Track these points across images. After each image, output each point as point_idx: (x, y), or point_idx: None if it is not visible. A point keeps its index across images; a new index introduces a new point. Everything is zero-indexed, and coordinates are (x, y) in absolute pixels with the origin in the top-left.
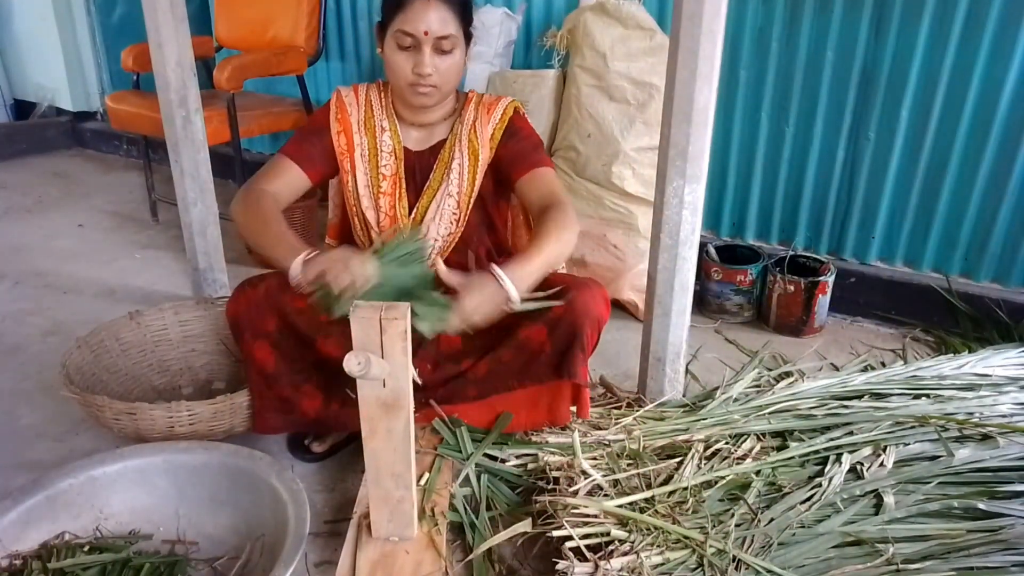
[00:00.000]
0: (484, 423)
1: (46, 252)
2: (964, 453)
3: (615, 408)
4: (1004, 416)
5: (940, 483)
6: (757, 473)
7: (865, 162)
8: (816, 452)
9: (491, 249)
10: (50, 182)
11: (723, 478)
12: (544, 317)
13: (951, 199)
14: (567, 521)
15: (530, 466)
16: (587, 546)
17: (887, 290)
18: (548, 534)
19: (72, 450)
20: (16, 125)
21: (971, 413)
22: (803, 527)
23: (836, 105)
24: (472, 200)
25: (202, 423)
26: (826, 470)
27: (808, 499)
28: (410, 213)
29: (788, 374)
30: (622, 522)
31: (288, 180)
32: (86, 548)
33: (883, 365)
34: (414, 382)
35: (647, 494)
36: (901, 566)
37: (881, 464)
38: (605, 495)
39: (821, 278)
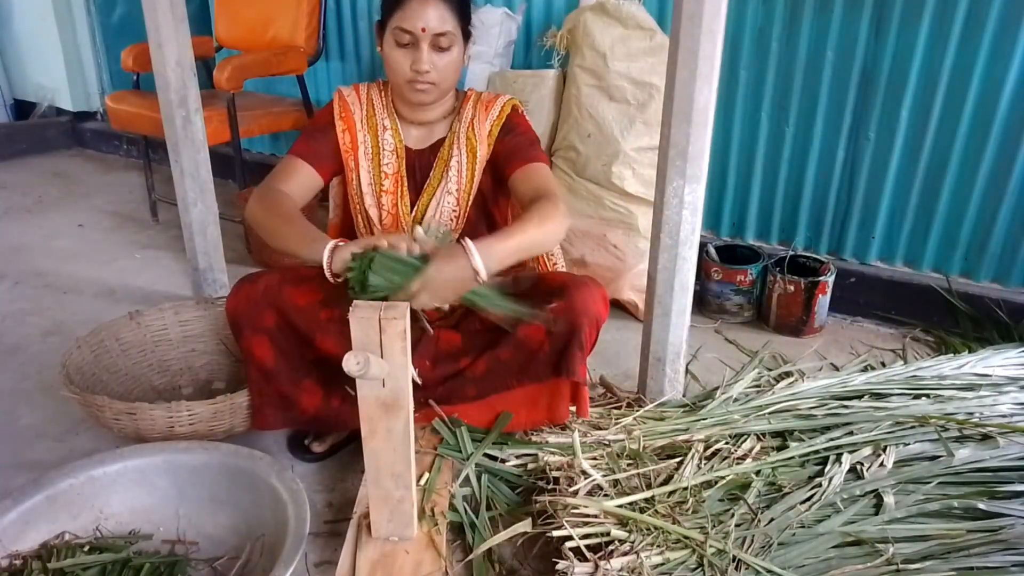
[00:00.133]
0: (484, 423)
1: (46, 252)
2: (964, 453)
3: (615, 408)
4: (1004, 416)
5: (940, 483)
6: (757, 473)
7: (865, 162)
8: (816, 452)
9: None
10: (50, 182)
11: (723, 478)
12: (542, 315)
13: (951, 199)
14: (567, 521)
15: (530, 466)
16: (587, 546)
17: (887, 290)
18: (548, 534)
19: (72, 450)
20: (16, 125)
21: (971, 413)
22: (803, 527)
23: (836, 105)
24: (471, 197)
25: (202, 423)
26: (826, 470)
27: (808, 499)
28: (411, 211)
29: (788, 374)
30: (622, 522)
31: (301, 180)
32: (86, 548)
33: (883, 365)
34: (413, 382)
35: (647, 494)
36: (901, 566)
37: (881, 464)
38: (605, 495)
39: (821, 278)
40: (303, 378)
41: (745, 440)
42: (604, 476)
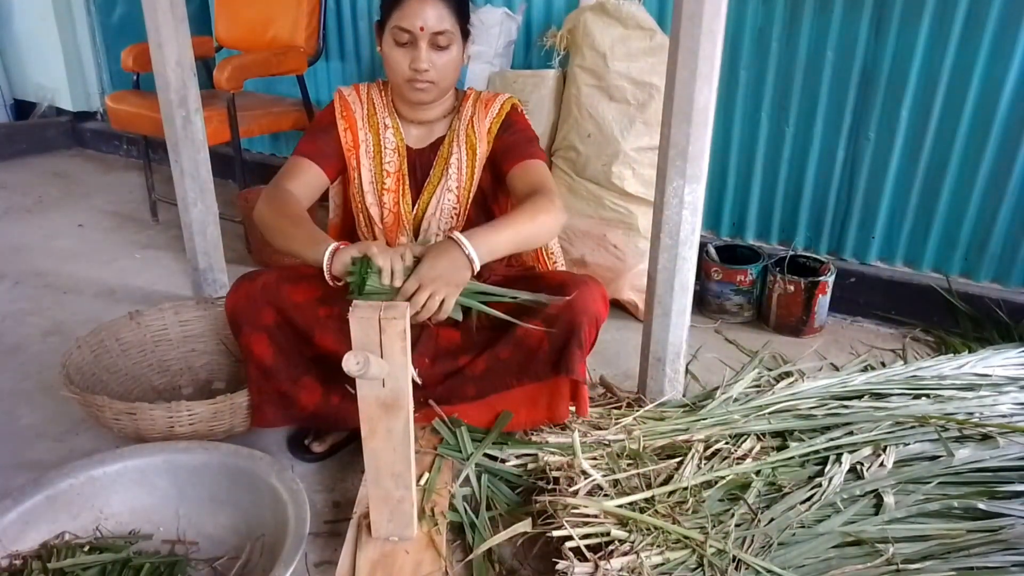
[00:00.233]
0: (484, 423)
1: (46, 252)
2: (964, 453)
3: (615, 408)
4: (1004, 416)
5: (940, 483)
6: (757, 473)
7: (865, 162)
8: (816, 452)
9: None
10: (50, 182)
11: (723, 478)
12: (543, 314)
13: (951, 199)
14: (567, 521)
15: (530, 466)
16: (587, 546)
17: (887, 290)
18: (548, 534)
19: (72, 450)
20: (16, 125)
21: (971, 413)
22: (803, 527)
23: (836, 105)
24: (471, 195)
25: (202, 423)
26: (826, 470)
27: (808, 499)
28: (412, 209)
29: (788, 374)
30: (622, 522)
31: (307, 179)
32: (86, 548)
33: (883, 365)
34: (413, 381)
35: (647, 494)
36: (901, 566)
37: (881, 464)
38: (605, 495)
39: (821, 278)
40: (302, 375)
41: (745, 440)
42: (604, 476)
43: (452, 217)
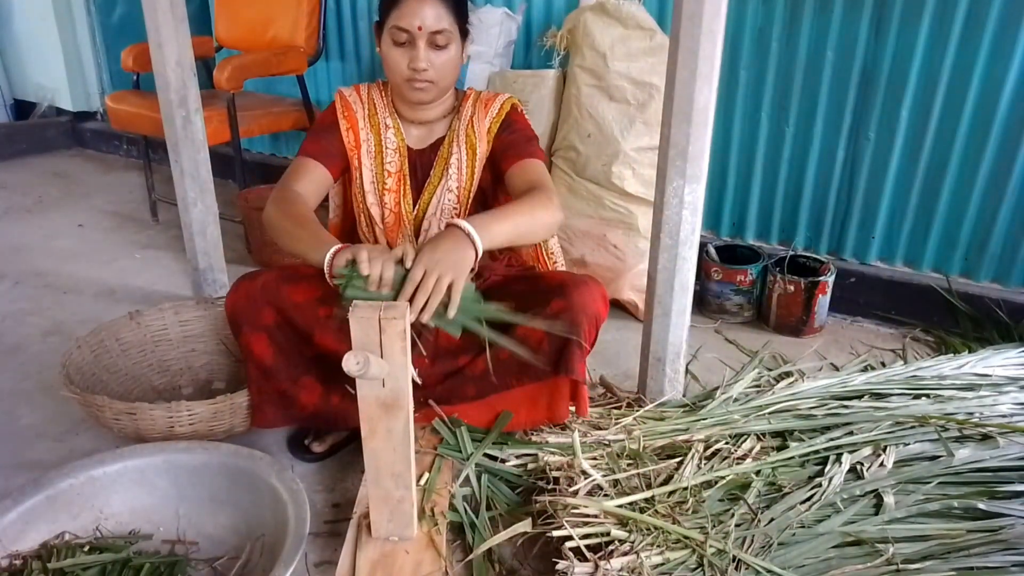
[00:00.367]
0: (484, 423)
1: (46, 252)
2: (964, 453)
3: (615, 408)
4: (1004, 416)
5: (940, 483)
6: (757, 473)
7: (865, 162)
8: (816, 452)
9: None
10: (50, 182)
11: (723, 478)
12: (543, 315)
13: (951, 199)
14: (567, 521)
15: (530, 466)
16: (587, 546)
17: (887, 290)
18: (548, 534)
19: (72, 450)
20: (16, 125)
21: (971, 413)
22: (803, 527)
23: (836, 105)
24: (472, 194)
25: (202, 423)
26: (826, 470)
27: (808, 499)
28: (413, 209)
29: (788, 374)
30: (622, 522)
31: (313, 179)
32: (86, 548)
33: (883, 365)
34: (413, 381)
35: (647, 494)
36: (901, 566)
37: (881, 464)
38: (605, 495)
39: (821, 278)
40: (302, 375)
41: (745, 440)
42: (604, 476)
43: (452, 216)
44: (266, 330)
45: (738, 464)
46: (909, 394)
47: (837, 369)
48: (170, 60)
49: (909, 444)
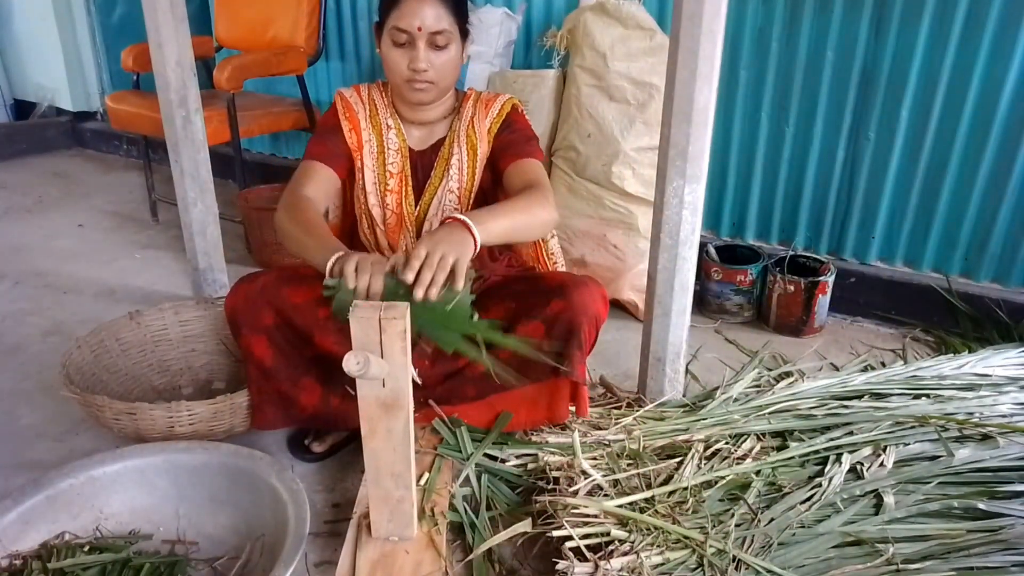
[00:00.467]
0: (484, 423)
1: (46, 252)
2: (964, 453)
3: (615, 408)
4: (1004, 416)
5: (940, 483)
6: (757, 473)
7: (865, 162)
8: (816, 452)
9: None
10: (50, 182)
11: (723, 478)
12: (542, 315)
13: (951, 199)
14: (567, 521)
15: (530, 466)
16: (587, 546)
17: (887, 290)
18: (548, 534)
19: (72, 450)
20: (16, 125)
21: (971, 413)
22: (803, 527)
23: (836, 105)
24: (473, 195)
25: (202, 423)
26: (826, 470)
27: (808, 499)
28: (414, 210)
29: (788, 374)
30: (622, 522)
31: (321, 182)
32: (86, 548)
33: (883, 365)
34: (413, 381)
35: (647, 494)
36: (901, 566)
37: (881, 464)
38: (605, 495)
39: (821, 278)
40: (302, 376)
41: (745, 440)
42: (604, 476)
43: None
44: (266, 332)
45: (738, 464)
46: (909, 394)
47: (837, 369)
48: (170, 60)
49: (909, 444)
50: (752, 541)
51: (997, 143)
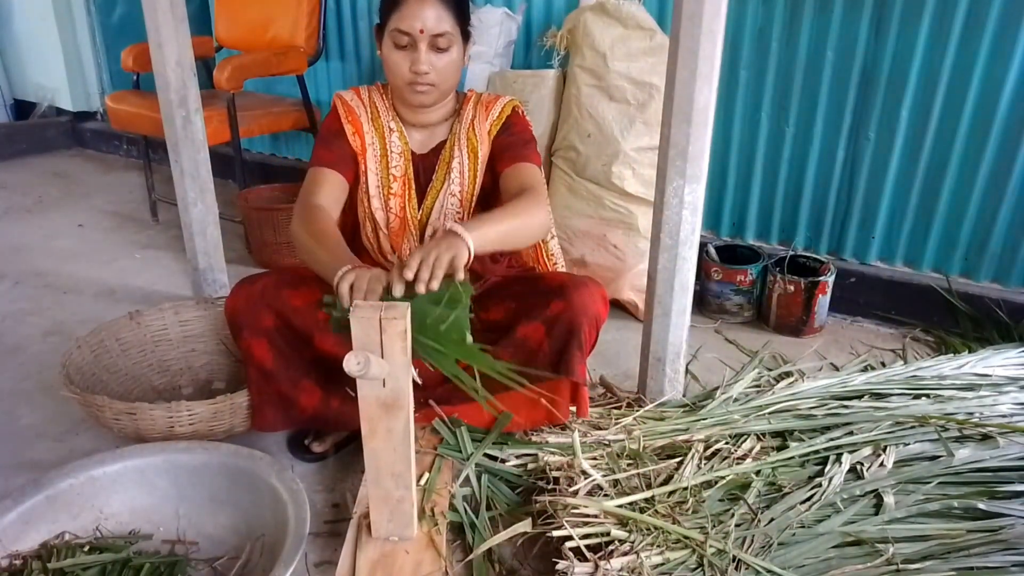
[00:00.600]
0: (484, 423)
1: (46, 252)
2: (964, 453)
3: (615, 408)
4: (1004, 416)
5: (940, 483)
6: (757, 473)
7: (865, 162)
8: (816, 452)
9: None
10: (50, 182)
11: (723, 478)
12: (543, 316)
13: (951, 199)
14: (567, 521)
15: (530, 466)
16: (587, 546)
17: (887, 290)
18: (548, 534)
19: (72, 450)
20: (16, 125)
21: (971, 413)
22: (803, 527)
23: (836, 105)
24: (475, 197)
25: (202, 423)
26: (826, 470)
27: (808, 499)
28: (417, 213)
29: (788, 374)
30: (622, 522)
31: (330, 188)
32: (86, 548)
33: (883, 365)
34: (413, 381)
35: (647, 494)
36: (901, 566)
37: (881, 464)
38: (605, 495)
39: (821, 278)
40: (302, 378)
41: (745, 440)
42: (604, 476)
43: (456, 220)
44: (266, 334)
45: (738, 464)
46: (909, 394)
47: (837, 369)
48: (170, 60)
49: (909, 444)
50: (752, 541)
51: (997, 143)
